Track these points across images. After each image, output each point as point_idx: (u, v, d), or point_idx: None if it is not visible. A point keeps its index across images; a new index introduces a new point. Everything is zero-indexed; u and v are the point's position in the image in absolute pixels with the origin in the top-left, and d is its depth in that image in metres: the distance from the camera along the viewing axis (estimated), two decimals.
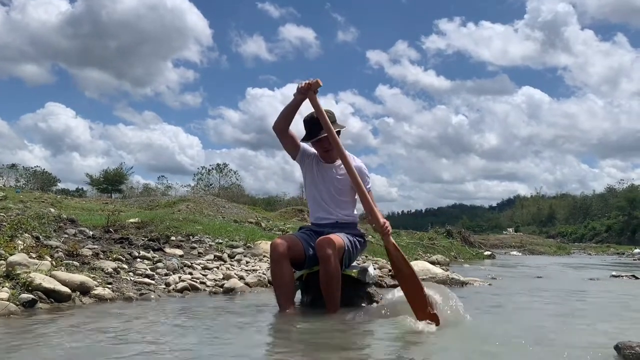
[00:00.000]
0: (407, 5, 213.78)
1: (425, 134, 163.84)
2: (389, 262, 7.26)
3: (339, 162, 3.39)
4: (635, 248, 30.33)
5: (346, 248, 3.22)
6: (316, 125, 3.29)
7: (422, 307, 2.80)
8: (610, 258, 19.18)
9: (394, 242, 3.08)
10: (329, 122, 3.19)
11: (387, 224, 3.11)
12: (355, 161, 3.39)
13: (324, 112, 3.21)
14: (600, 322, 3.19)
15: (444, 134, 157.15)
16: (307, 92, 3.20)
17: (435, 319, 2.73)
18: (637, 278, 7.16)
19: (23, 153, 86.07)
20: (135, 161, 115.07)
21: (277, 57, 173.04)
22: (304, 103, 3.28)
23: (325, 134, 3.24)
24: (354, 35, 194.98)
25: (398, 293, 3.05)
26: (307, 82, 3.20)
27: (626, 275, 7.46)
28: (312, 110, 3.28)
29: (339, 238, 3.17)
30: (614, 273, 7.84)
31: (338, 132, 3.29)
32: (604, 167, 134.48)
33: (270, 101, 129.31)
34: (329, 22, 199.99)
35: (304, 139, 3.40)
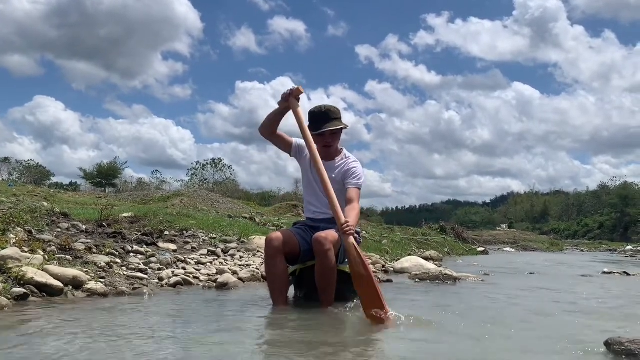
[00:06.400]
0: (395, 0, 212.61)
1: (417, 130, 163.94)
2: (382, 258, 7.28)
3: (336, 159, 3.42)
4: (628, 245, 30.59)
5: (342, 244, 3.23)
6: (321, 119, 3.35)
7: (375, 307, 2.75)
8: (603, 255, 19.31)
9: (354, 243, 2.96)
10: (308, 133, 3.25)
11: (349, 223, 3.00)
12: (351, 161, 3.43)
13: (303, 121, 3.28)
14: (590, 318, 3.22)
15: (436, 129, 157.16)
16: (288, 98, 3.27)
17: (383, 320, 2.69)
18: (628, 275, 7.22)
19: (13, 146, 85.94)
20: (127, 155, 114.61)
21: (267, 50, 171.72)
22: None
23: (329, 129, 3.28)
24: (344, 29, 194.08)
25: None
26: (289, 89, 3.26)
27: (618, 272, 7.51)
28: (321, 103, 3.42)
29: (336, 234, 3.19)
30: (605, 270, 7.89)
31: (341, 130, 3.40)
32: (596, 163, 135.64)
33: (260, 94, 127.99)
34: (318, 16, 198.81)
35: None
